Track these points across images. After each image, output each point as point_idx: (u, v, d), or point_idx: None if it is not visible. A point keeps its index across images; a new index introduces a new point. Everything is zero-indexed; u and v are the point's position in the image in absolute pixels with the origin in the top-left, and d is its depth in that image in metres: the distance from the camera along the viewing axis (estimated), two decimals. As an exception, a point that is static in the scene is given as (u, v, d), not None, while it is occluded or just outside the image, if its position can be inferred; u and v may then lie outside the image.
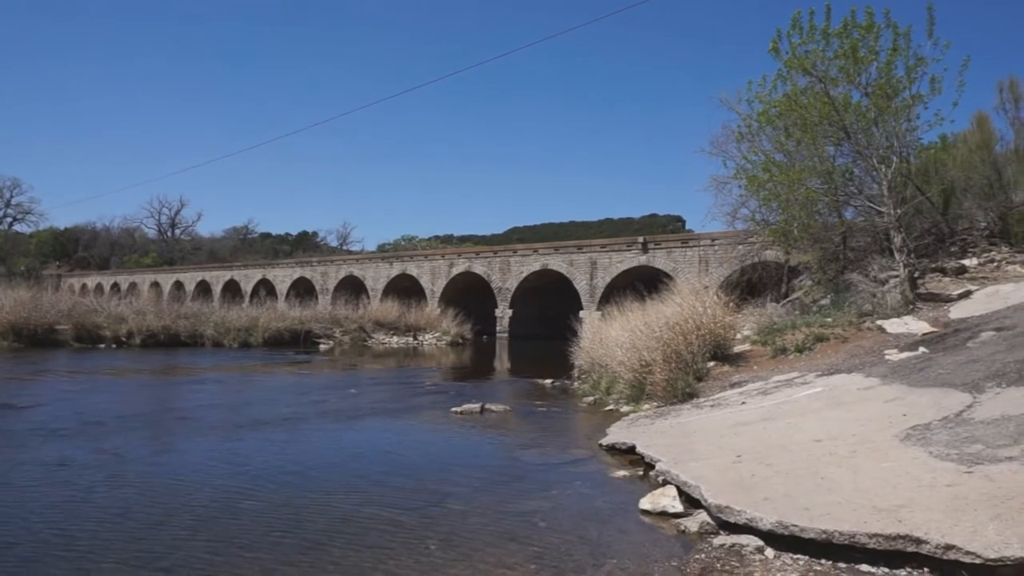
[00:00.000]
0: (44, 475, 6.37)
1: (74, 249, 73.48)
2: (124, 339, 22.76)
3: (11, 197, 74.31)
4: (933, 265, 12.39)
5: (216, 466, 6.85)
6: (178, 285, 54.94)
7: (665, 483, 5.49)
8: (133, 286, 55.35)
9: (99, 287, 57.32)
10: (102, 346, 22.27)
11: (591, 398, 11.09)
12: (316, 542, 4.59)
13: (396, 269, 39.55)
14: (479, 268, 35.48)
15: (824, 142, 12.63)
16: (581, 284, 31.09)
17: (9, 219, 75.53)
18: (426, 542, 4.55)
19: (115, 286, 56.63)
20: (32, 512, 5.25)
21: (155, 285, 55.12)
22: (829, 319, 10.97)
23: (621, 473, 6.31)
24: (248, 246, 79.07)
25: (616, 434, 7.52)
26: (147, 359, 19.11)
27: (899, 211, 11.51)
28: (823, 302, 13.13)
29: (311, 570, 4.08)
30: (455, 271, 36.49)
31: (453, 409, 10.28)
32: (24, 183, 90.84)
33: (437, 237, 79.52)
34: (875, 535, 3.69)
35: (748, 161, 14.05)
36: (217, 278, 53.15)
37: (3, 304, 22.13)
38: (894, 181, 11.65)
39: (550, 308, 32.02)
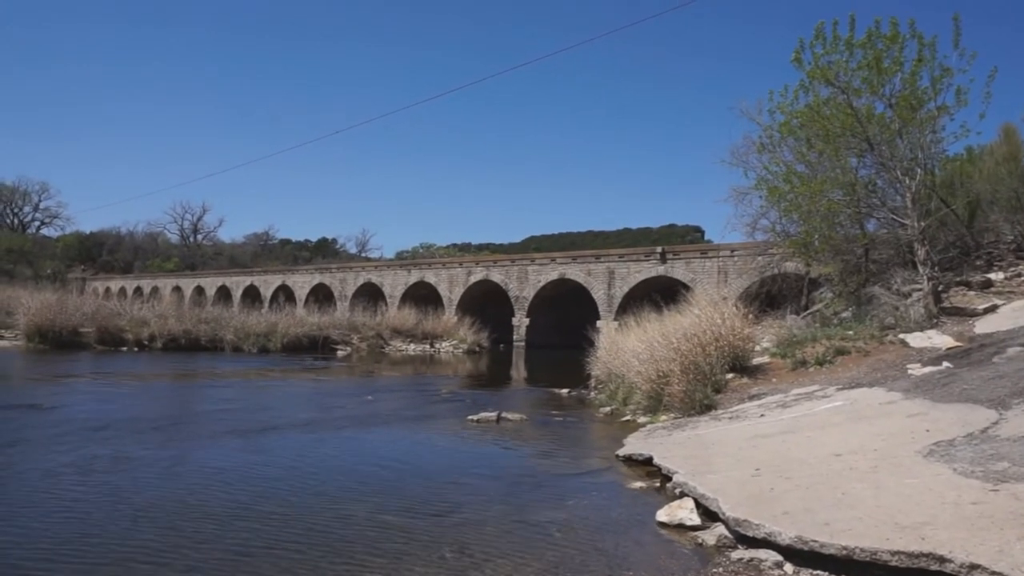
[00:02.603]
0: (68, 476, 6.45)
1: (99, 253, 74.60)
2: (146, 342, 23.05)
3: (39, 201, 75.81)
4: (958, 279, 12.20)
5: (235, 470, 6.90)
6: (199, 290, 55.58)
7: (682, 495, 5.43)
8: (155, 290, 56.07)
9: (122, 291, 58.12)
10: (124, 349, 22.56)
11: (608, 408, 11.03)
12: (333, 548, 4.60)
13: (414, 277, 39.70)
14: (496, 276, 35.51)
15: (847, 153, 12.51)
16: (599, 294, 31.00)
17: (37, 223, 77.03)
18: (441, 550, 4.54)
19: (138, 290, 57.39)
20: (55, 512, 5.32)
21: (177, 289, 55.79)
22: (850, 332, 10.83)
23: (638, 484, 6.26)
24: (268, 252, 79.82)
25: (633, 445, 7.47)
26: (168, 362, 19.32)
27: (923, 224, 11.36)
28: (844, 315, 12.97)
29: (328, 575, 4.09)
30: (472, 279, 36.54)
31: (470, 417, 10.27)
32: (52, 187, 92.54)
33: (455, 245, 79.70)
34: (897, 552, 3.62)
35: (769, 172, 13.95)
36: (237, 283, 53.68)
37: (30, 306, 22.54)
38: (918, 193, 11.51)
39: (567, 317, 31.92)
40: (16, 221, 74.95)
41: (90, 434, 8.48)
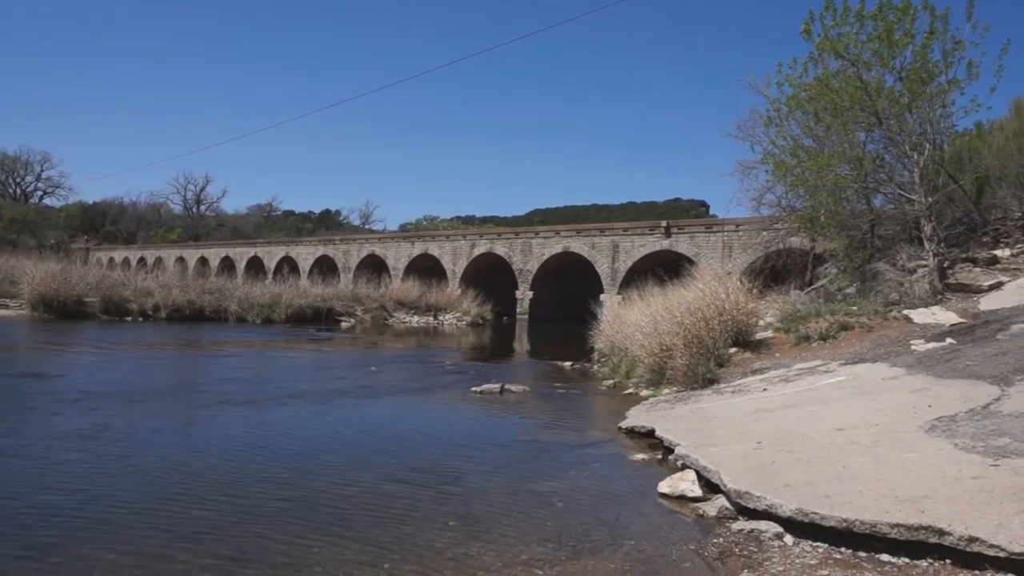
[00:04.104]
0: (74, 443, 6.52)
1: (102, 223, 74.56)
2: (150, 312, 23.12)
3: (41, 171, 75.58)
4: (964, 255, 12.13)
5: (239, 439, 6.97)
6: (203, 260, 55.63)
7: (684, 467, 5.48)
8: (159, 261, 56.13)
9: (126, 261, 58.21)
10: (129, 319, 22.65)
11: (611, 381, 11.09)
12: (337, 516, 4.66)
13: (418, 249, 39.66)
14: (500, 249, 35.46)
15: (855, 127, 12.37)
16: (603, 267, 30.97)
17: (40, 192, 76.89)
18: (445, 518, 4.59)
19: (142, 260, 57.48)
20: (62, 478, 5.38)
21: (180, 260, 55.85)
22: (854, 308, 10.82)
23: (640, 456, 6.31)
24: (271, 223, 79.71)
25: (635, 417, 7.51)
26: (173, 332, 19.42)
27: (930, 199, 11.27)
28: (848, 290, 12.94)
29: (333, 542, 4.15)
30: (476, 252, 36.50)
31: (473, 389, 10.34)
32: (54, 157, 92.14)
33: (459, 218, 79.51)
34: (897, 525, 3.66)
35: (775, 146, 13.82)
36: (241, 254, 53.71)
37: (34, 276, 22.56)
38: (926, 168, 11.41)
39: (571, 291, 31.95)
40: (19, 191, 74.82)
41: (95, 402, 8.55)
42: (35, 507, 4.67)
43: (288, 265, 47.37)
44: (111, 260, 59.33)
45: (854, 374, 7.61)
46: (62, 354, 14.14)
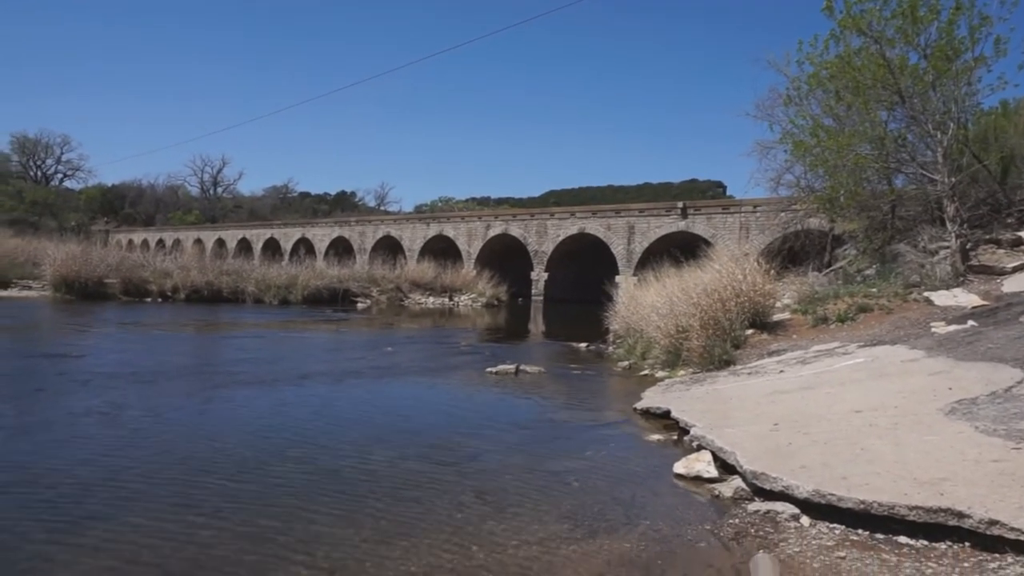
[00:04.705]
0: (97, 421, 6.63)
1: (121, 206, 75.22)
2: (169, 293, 23.35)
3: (61, 153, 76.19)
4: (987, 236, 11.94)
5: (258, 418, 7.05)
6: (220, 242, 56.05)
7: (699, 448, 5.47)
8: (177, 242, 56.61)
9: (145, 243, 58.73)
10: (148, 300, 22.89)
11: (626, 363, 11.08)
12: (355, 493, 4.71)
13: (433, 230, 39.68)
14: (516, 231, 35.39)
15: (876, 106, 12.15)
16: (618, 249, 30.82)
17: (60, 175, 77.58)
18: (461, 496, 4.63)
19: (160, 242, 57.99)
20: (86, 454, 5.48)
21: (198, 242, 56.35)
22: (874, 289, 10.70)
23: (655, 437, 6.32)
24: (288, 205, 79.99)
25: (651, 398, 7.51)
26: (191, 313, 19.62)
27: (954, 179, 11.08)
28: (868, 272, 12.80)
29: (351, 519, 4.19)
30: (491, 233, 36.45)
31: (488, 369, 10.37)
32: (73, 140, 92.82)
33: (474, 199, 79.35)
34: (915, 507, 3.64)
35: (795, 125, 13.63)
36: (258, 236, 54.03)
37: (55, 258, 22.83)
38: (950, 148, 11.20)
39: (586, 272, 31.88)
40: (39, 174, 75.53)
41: (117, 381, 8.68)
42: (61, 482, 4.76)
43: (304, 246, 47.64)
44: (130, 242, 59.89)
45: (873, 356, 7.55)
46: (84, 334, 14.35)
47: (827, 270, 14.66)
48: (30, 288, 23.14)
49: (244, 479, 4.97)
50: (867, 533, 3.76)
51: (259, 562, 3.62)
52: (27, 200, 61.52)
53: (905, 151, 12.28)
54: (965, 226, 11.21)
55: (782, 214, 18.92)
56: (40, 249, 26.13)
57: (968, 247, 11.08)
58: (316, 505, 4.45)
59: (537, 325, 23.00)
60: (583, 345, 14.04)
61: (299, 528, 4.07)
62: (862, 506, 3.81)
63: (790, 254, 16.75)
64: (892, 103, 11.94)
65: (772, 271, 11.12)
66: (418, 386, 9.57)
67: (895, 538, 3.67)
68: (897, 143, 12.35)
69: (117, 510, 4.29)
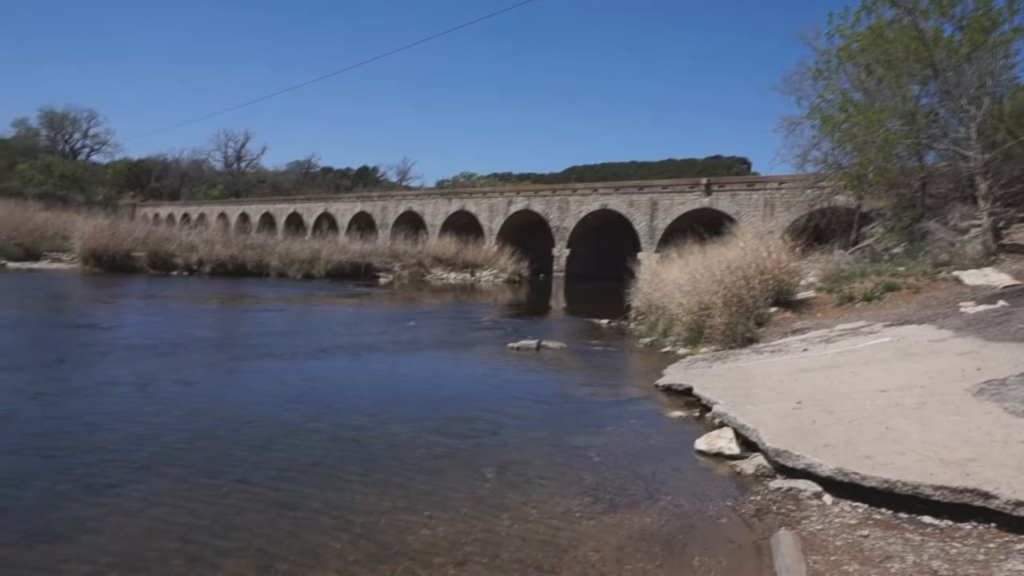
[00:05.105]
0: (128, 390, 6.78)
1: (147, 180, 75.97)
2: (195, 267, 23.68)
3: (88, 128, 76.93)
4: (1021, 215, 11.67)
5: (284, 390, 7.16)
6: (244, 217, 56.49)
7: (721, 425, 5.47)
8: (202, 216, 57.21)
9: (170, 217, 59.43)
10: (175, 273, 23.23)
11: (647, 339, 11.05)
12: (377, 464, 4.78)
13: (455, 206, 39.65)
14: (537, 206, 35.24)
15: (908, 80, 11.88)
16: (641, 225, 30.59)
17: (87, 149, 78.40)
18: (482, 470, 4.68)
19: (185, 216, 58.62)
20: (118, 422, 5.60)
21: (222, 216, 56.86)
22: (901, 268, 10.54)
23: (676, 414, 6.32)
24: (310, 180, 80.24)
25: (672, 375, 7.49)
26: (217, 287, 19.89)
27: (987, 156, 10.82)
28: (896, 251, 12.60)
29: (372, 490, 4.26)
30: (513, 209, 36.34)
31: (510, 345, 10.41)
32: (100, 114, 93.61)
33: (496, 175, 78.89)
34: (941, 487, 3.61)
35: (823, 100, 13.37)
36: (281, 211, 54.37)
37: (84, 231, 23.22)
38: (984, 123, 10.93)
39: (608, 249, 31.70)
40: (67, 148, 76.42)
41: (145, 352, 8.85)
42: (95, 447, 4.89)
43: (327, 221, 47.85)
44: (156, 216, 60.65)
45: (899, 336, 7.45)
46: (113, 306, 14.62)
47: (853, 248, 14.45)
48: (60, 261, 23.57)
49: (271, 448, 5.06)
50: (890, 512, 3.75)
51: (287, 527, 3.70)
52: (56, 174, 62.31)
53: (937, 127, 12.01)
54: (998, 204, 10.97)
55: (808, 191, 18.62)
56: (69, 222, 26.55)
57: (1000, 225, 10.85)
58: (342, 474, 4.53)
59: (558, 301, 23.00)
60: (604, 322, 14.02)
61: (326, 496, 4.15)
62: (886, 485, 3.78)
63: (816, 232, 16.50)
64: (925, 77, 11.66)
65: (797, 249, 10.99)
66: (440, 360, 9.64)
67: (919, 518, 3.65)
68: (929, 118, 12.08)
69: (149, 475, 4.40)
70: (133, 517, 3.78)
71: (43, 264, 23.20)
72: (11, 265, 22.38)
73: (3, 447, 4.88)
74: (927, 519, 3.62)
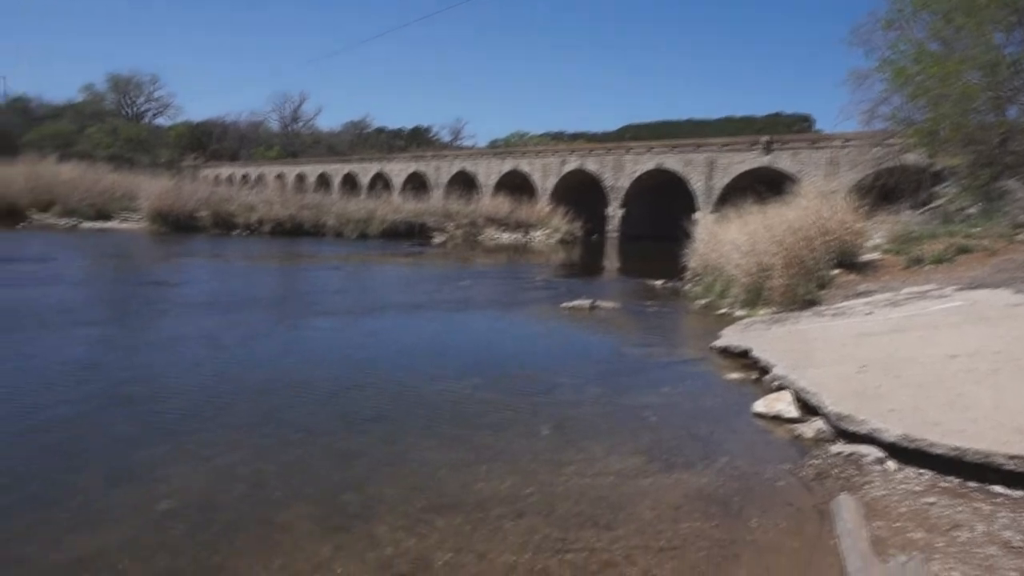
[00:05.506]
0: (196, 344, 7.07)
1: (208, 142, 77.81)
2: (254, 227, 24.30)
3: (152, 92, 78.98)
4: (1110, 172, 10.95)
5: (341, 346, 7.35)
6: (300, 177, 57.46)
7: (780, 388, 5.37)
8: (260, 177, 58.41)
9: (230, 178, 60.84)
10: (236, 232, 23.89)
11: (703, 301, 10.88)
12: (434, 418, 4.89)
13: (507, 165, 39.43)
14: (591, 166, 34.76)
15: (991, 28, 11.12)
16: (697, 185, 29.89)
17: (151, 113, 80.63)
18: (538, 427, 4.73)
19: (244, 177, 59.93)
20: (187, 375, 5.87)
21: (279, 176, 57.95)
22: (976, 229, 10.05)
23: (733, 376, 6.23)
24: (364, 140, 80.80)
25: (729, 337, 7.37)
26: (275, 246, 20.41)
27: (1076, 109, 10.12)
28: (970, 211, 12.00)
29: (432, 443, 4.36)
30: (566, 168, 35.93)
31: (563, 305, 10.40)
32: (161, 78, 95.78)
33: (548, 134, 77.80)
34: (1015, 456, 3.48)
35: (896, 51, 12.64)
36: (336, 171, 55.07)
37: (151, 192, 24.06)
38: (1075, 74, 10.20)
39: (662, 209, 31.11)
40: (132, 111, 78.72)
41: (211, 309, 9.19)
42: (167, 397, 5.14)
43: (381, 181, 48.29)
44: (216, 177, 62.17)
45: (971, 300, 7.14)
46: (180, 264, 15.19)
47: (923, 209, 13.82)
48: (129, 220, 24.50)
49: (334, 401, 5.23)
50: (958, 481, 3.64)
51: (351, 476, 3.83)
52: (122, 137, 64.41)
53: (1021, 78, 11.26)
54: (1086, 161, 10.29)
55: (875, 149, 17.78)
56: (136, 184, 27.44)
57: (1088, 184, 10.19)
58: (400, 428, 4.65)
59: (612, 262, 22.81)
60: (659, 282, 13.85)
61: (388, 447, 4.28)
62: (956, 452, 3.67)
63: (883, 192, 15.80)
64: (1010, 24, 10.90)
65: (862, 209, 10.57)
66: (494, 319, 9.71)
67: (989, 487, 3.53)
68: (1012, 69, 11.32)
69: (219, 425, 4.61)
70: (205, 463, 3.97)
71: (114, 224, 24.16)
72: (85, 225, 23.41)
73: (87, 395, 5.17)
74: (998, 488, 3.50)
